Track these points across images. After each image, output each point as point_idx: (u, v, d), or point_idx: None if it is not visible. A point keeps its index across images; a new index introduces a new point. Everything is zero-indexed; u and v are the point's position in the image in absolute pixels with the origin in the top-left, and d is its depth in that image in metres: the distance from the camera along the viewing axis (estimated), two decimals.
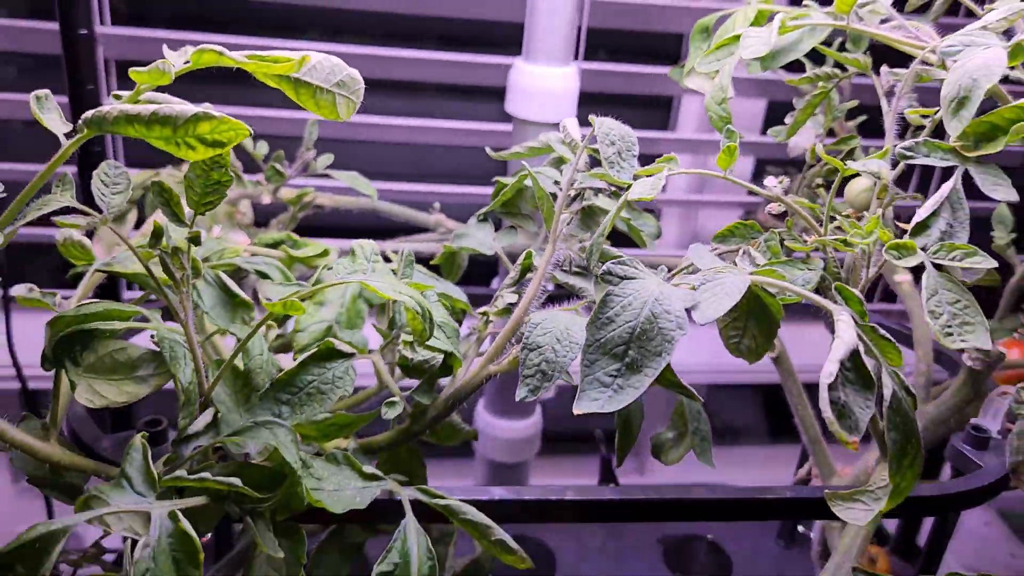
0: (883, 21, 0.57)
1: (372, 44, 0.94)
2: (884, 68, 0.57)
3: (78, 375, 0.45)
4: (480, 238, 0.63)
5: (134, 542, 0.39)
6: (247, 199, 0.70)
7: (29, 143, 1.07)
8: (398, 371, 0.57)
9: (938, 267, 0.43)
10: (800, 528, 0.92)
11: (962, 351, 0.66)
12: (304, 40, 0.98)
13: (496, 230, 0.65)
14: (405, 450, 0.59)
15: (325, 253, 0.61)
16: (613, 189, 0.60)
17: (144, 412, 0.54)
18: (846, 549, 0.52)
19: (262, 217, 0.77)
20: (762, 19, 0.59)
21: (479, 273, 0.93)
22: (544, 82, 0.75)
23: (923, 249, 0.44)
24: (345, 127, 0.96)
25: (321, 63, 0.45)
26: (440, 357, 0.53)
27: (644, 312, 0.42)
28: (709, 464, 0.59)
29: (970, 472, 0.59)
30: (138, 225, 0.75)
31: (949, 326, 0.41)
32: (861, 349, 0.39)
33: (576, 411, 0.41)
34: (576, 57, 0.84)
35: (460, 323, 0.59)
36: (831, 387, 0.37)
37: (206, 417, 0.45)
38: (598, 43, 1.13)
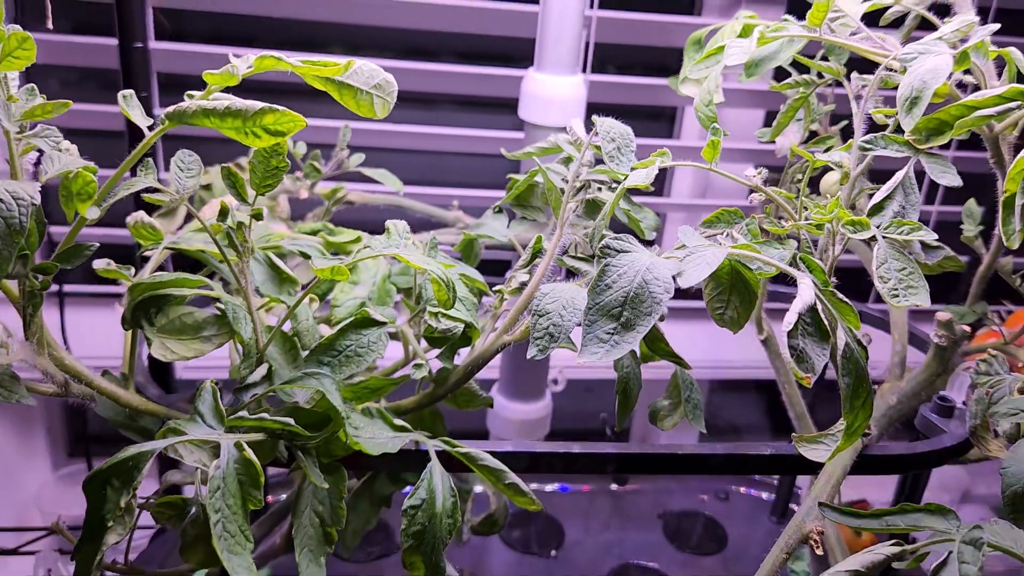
0: (853, 33, 0.64)
1: (392, 59, 1.02)
2: (854, 74, 0.65)
3: (153, 334, 0.53)
4: (495, 227, 0.71)
5: (203, 474, 0.47)
6: (285, 194, 0.78)
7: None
8: (424, 344, 0.64)
9: (889, 241, 0.50)
10: (793, 506, 0.98)
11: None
12: (326, 55, 1.06)
13: (509, 222, 0.73)
14: (429, 413, 0.66)
15: (358, 239, 0.69)
16: (614, 184, 0.67)
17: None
18: (818, 491, 0.59)
19: (296, 214, 0.85)
20: (747, 32, 0.66)
21: (493, 270, 1.01)
22: (554, 89, 0.82)
23: (878, 227, 0.51)
24: (371, 135, 1.04)
25: (361, 68, 0.52)
26: (460, 327, 0.60)
27: (637, 279, 0.49)
28: (701, 428, 0.66)
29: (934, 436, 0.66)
30: (186, 221, 0.83)
31: (895, 289, 0.48)
32: (819, 307, 0.46)
33: (579, 361, 0.48)
34: (584, 70, 0.92)
35: (479, 301, 0.66)
36: (790, 335, 0.44)
37: (262, 370, 0.52)
38: (607, 57, 1.21)
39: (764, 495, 1.00)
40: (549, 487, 0.97)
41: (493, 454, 0.58)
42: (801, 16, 0.65)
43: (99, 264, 0.55)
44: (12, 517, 1.28)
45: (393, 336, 0.65)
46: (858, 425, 0.48)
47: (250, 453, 0.46)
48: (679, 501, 0.97)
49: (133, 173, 0.51)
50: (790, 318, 0.44)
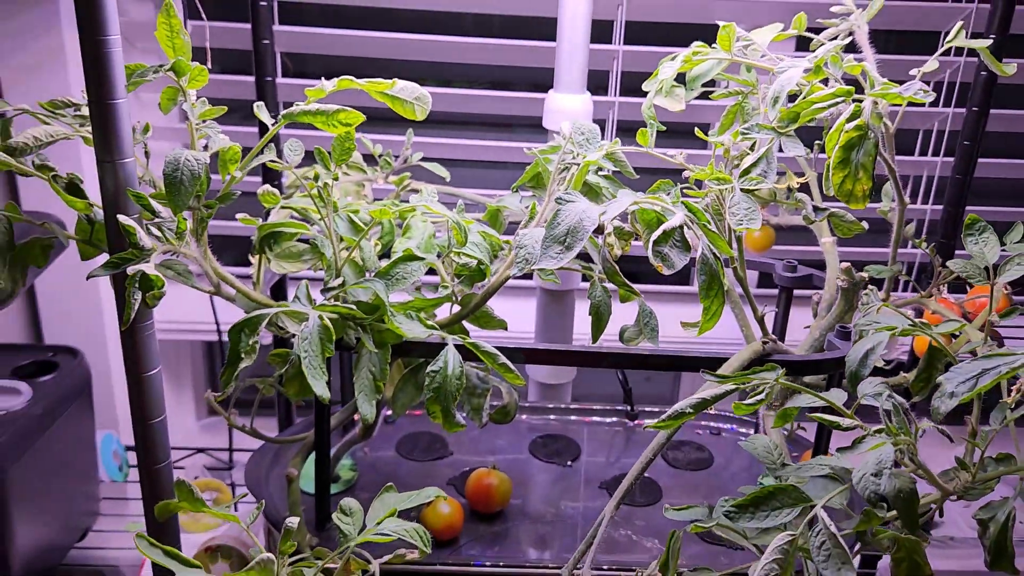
0: (763, 56, 0.88)
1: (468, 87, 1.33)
2: (761, 85, 0.89)
3: (270, 257, 0.82)
4: (512, 201, 0.98)
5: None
6: (368, 182, 1.07)
7: None
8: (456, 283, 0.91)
9: (742, 190, 0.74)
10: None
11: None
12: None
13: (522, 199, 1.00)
14: (458, 328, 0.93)
15: (413, 209, 0.97)
16: (595, 169, 0.93)
17: None
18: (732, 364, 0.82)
19: (377, 198, 1.15)
20: (691, 60, 0.91)
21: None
22: (567, 104, 1.09)
23: (739, 180, 0.75)
24: (431, 147, 1.34)
25: (406, 86, 0.81)
26: (474, 262, 0.87)
27: (576, 218, 0.75)
28: (655, 343, 0.91)
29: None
30: None
31: (740, 220, 0.72)
32: (686, 230, 0.71)
33: (536, 267, 0.74)
34: (610, 93, 1.19)
35: (497, 255, 0.93)
36: (656, 242, 0.69)
37: (338, 279, 0.81)
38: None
39: (752, 432, 1.22)
40: (574, 417, 1.22)
41: (504, 350, 0.84)
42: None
43: (240, 215, 0.86)
44: None
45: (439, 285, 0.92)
46: (714, 310, 0.72)
47: (327, 321, 0.74)
48: (679, 435, 1.20)
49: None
50: (656, 234, 0.69)
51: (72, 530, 1.16)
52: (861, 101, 0.75)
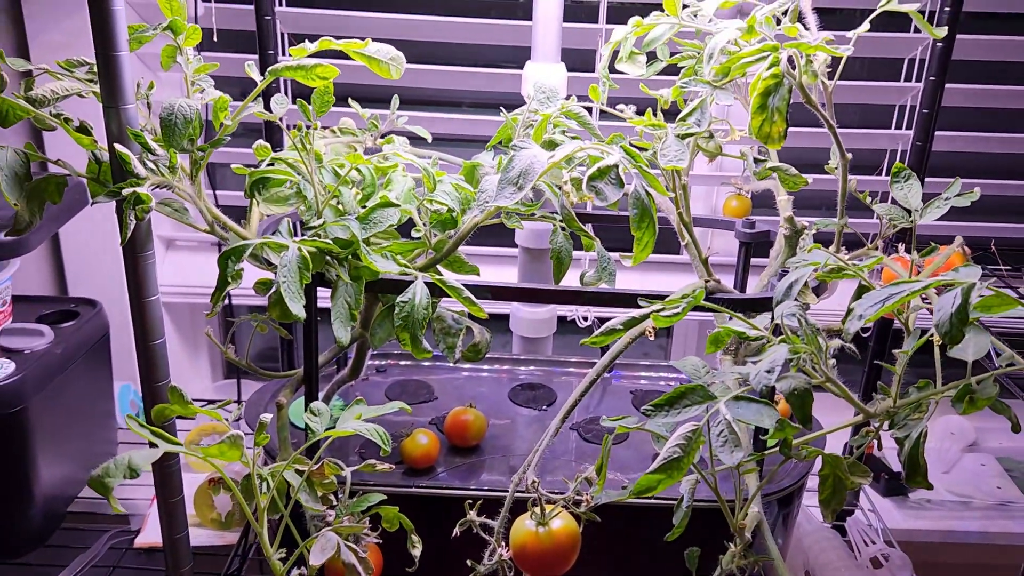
0: (709, 21, 0.96)
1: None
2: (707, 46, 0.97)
3: (258, 201, 0.92)
4: (485, 158, 1.07)
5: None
6: (359, 144, 1.16)
7: None
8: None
9: (675, 135, 0.83)
10: None
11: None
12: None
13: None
14: (433, 271, 1.02)
15: (395, 166, 1.06)
16: (561, 131, 1.02)
17: None
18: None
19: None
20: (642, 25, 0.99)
21: None
22: (542, 73, 1.18)
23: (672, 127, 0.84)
24: (417, 121, 1.43)
25: (380, 48, 0.90)
26: (444, 208, 0.96)
27: (527, 162, 0.83)
28: (611, 280, 0.99)
29: None
30: None
31: (670, 159, 0.81)
32: (620, 167, 0.79)
33: (497, 204, 0.83)
34: (596, 71, 1.28)
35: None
36: (591, 178, 0.77)
37: (318, 220, 0.90)
38: None
39: None
40: (553, 368, 1.30)
41: (472, 287, 0.93)
42: None
43: (236, 166, 0.96)
44: None
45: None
46: (645, 241, 0.80)
47: (305, 252, 0.84)
48: (647, 385, 1.29)
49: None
50: (591, 172, 0.77)
51: (89, 466, 1.26)
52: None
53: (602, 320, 1.37)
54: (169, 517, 0.94)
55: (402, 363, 1.30)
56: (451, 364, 1.28)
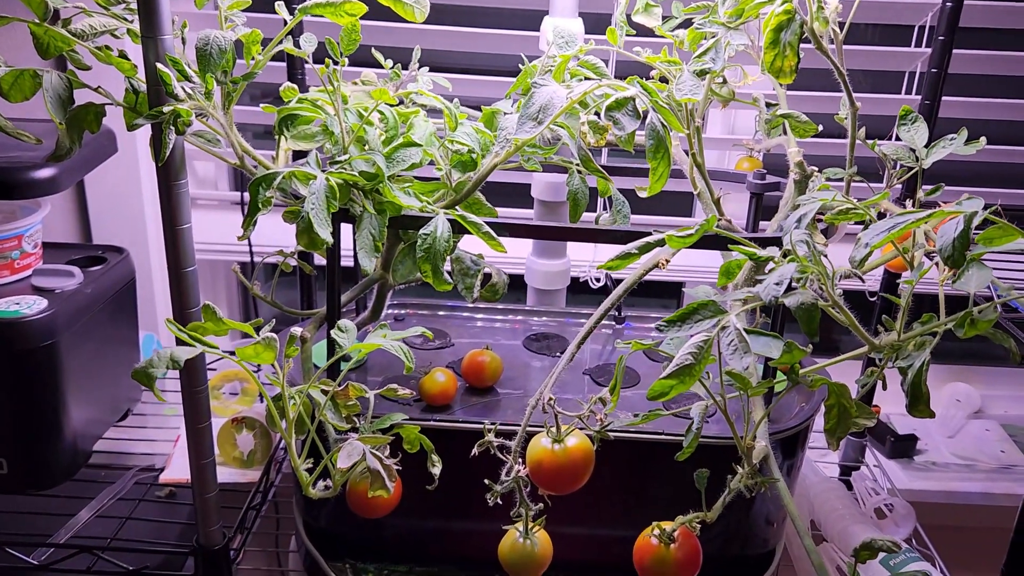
0: None
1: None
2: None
3: (287, 138, 0.95)
4: (505, 105, 1.10)
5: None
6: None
7: None
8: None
9: (690, 71, 0.86)
10: None
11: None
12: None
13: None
14: (453, 212, 1.05)
15: (417, 112, 1.10)
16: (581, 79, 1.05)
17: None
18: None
19: None
20: None
21: None
22: (560, 27, 1.21)
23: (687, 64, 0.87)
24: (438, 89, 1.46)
25: None
26: (466, 149, 0.99)
27: (547, 98, 0.86)
28: (625, 221, 1.02)
29: None
30: None
31: (685, 93, 0.84)
32: (637, 101, 0.82)
33: (516, 136, 0.86)
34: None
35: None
36: (609, 108, 0.80)
37: (344, 155, 0.94)
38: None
39: None
40: (567, 319, 1.33)
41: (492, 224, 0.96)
42: None
43: (263, 104, 0.99)
44: None
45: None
46: (661, 171, 0.83)
47: (332, 181, 0.87)
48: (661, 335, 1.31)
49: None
50: (609, 103, 0.80)
51: (116, 408, 1.30)
52: None
53: (615, 282, 1.42)
54: (196, 443, 0.98)
55: (420, 312, 1.33)
56: (469, 304, 1.31)
